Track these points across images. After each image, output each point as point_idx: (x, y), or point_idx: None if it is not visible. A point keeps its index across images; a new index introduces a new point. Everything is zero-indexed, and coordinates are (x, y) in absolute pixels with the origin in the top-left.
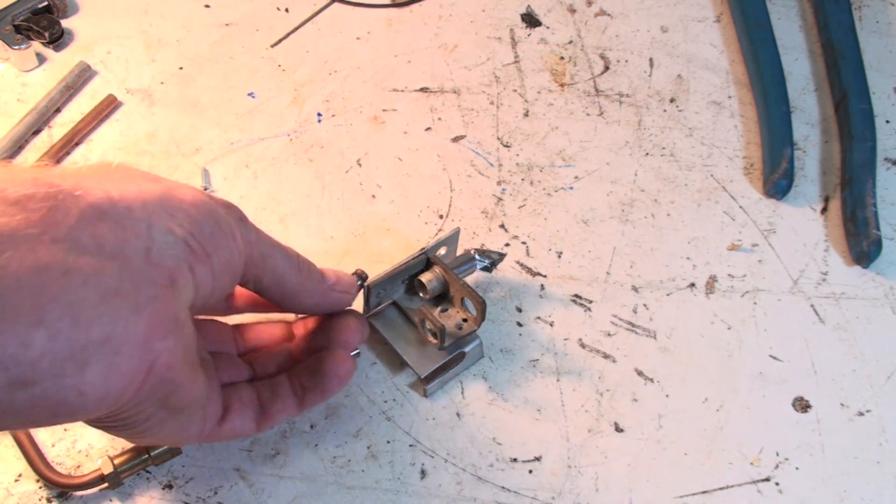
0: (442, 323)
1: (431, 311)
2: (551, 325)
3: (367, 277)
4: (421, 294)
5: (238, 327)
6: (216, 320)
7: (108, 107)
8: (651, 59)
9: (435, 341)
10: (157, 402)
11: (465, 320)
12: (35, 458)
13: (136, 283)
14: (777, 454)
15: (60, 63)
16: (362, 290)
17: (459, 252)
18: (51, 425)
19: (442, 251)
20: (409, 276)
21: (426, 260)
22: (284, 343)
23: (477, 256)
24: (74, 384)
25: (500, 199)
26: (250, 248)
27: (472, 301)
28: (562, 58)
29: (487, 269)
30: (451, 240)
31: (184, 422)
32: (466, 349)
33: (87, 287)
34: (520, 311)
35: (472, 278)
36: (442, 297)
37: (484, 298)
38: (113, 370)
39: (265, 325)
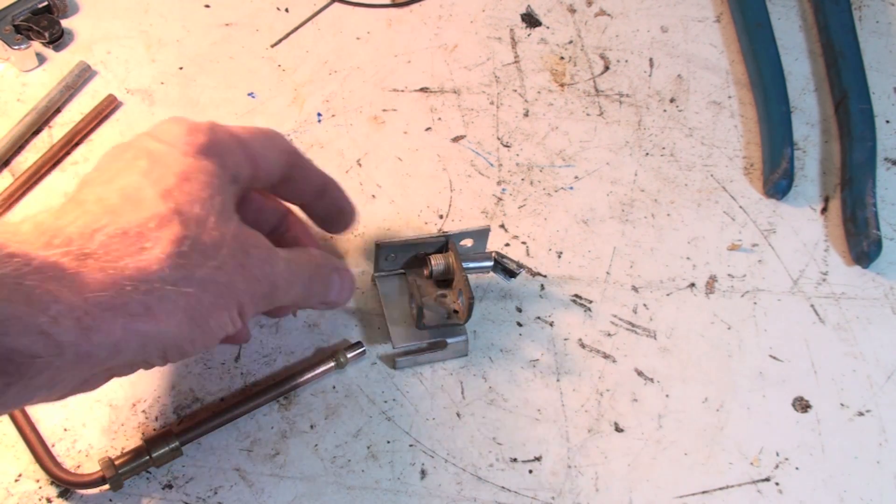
0: (422, 301)
1: (423, 288)
2: (551, 325)
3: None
4: (426, 273)
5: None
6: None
7: (109, 107)
8: (651, 59)
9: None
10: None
11: (455, 311)
12: (42, 454)
13: None
14: (777, 454)
15: (60, 63)
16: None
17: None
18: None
19: (468, 243)
20: (423, 251)
21: (445, 242)
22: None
23: (496, 258)
24: None
25: (500, 199)
26: None
27: (464, 295)
28: (562, 58)
29: (507, 276)
30: (480, 235)
31: None
32: (450, 340)
33: None
34: (520, 311)
35: (486, 278)
36: (447, 284)
37: (474, 297)
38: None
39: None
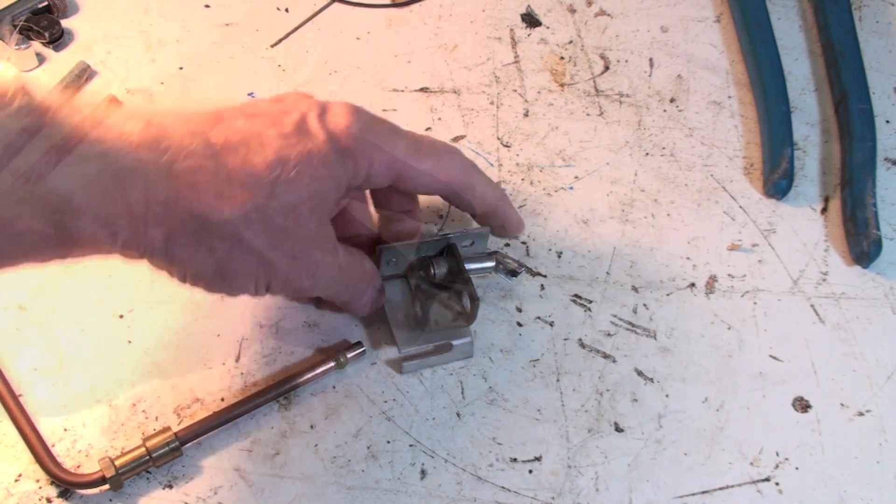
0: (427, 304)
1: (426, 291)
2: (551, 325)
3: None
4: (429, 276)
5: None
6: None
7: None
8: (651, 59)
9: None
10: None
11: (461, 314)
12: (42, 454)
13: None
14: (777, 454)
15: (60, 63)
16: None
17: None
18: None
19: (468, 244)
20: (424, 253)
21: (446, 244)
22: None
23: (497, 259)
24: None
25: None
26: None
27: (469, 297)
28: (562, 58)
29: (508, 275)
30: (480, 237)
31: None
32: (455, 342)
33: None
34: (520, 311)
35: (486, 278)
36: (450, 286)
37: (479, 298)
38: None
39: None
